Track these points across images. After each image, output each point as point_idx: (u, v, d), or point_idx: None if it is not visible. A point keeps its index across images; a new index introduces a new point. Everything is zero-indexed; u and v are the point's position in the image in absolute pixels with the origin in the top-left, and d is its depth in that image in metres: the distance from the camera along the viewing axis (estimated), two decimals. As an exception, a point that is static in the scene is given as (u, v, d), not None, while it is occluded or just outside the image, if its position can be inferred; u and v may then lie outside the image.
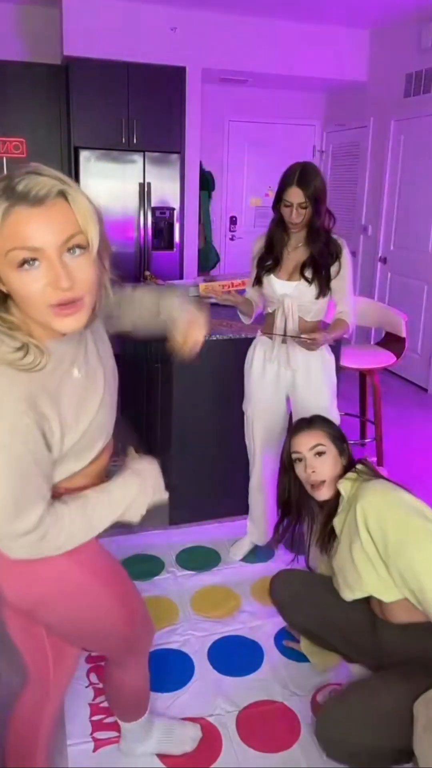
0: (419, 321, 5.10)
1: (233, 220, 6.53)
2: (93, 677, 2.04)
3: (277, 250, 2.42)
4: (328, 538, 1.89)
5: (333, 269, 2.40)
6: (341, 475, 1.81)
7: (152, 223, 5.34)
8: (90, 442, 1.18)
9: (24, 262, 0.93)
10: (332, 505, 1.84)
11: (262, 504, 2.66)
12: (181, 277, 5.42)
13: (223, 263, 6.47)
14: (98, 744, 1.81)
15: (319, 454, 1.81)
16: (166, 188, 5.33)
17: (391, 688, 1.66)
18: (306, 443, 1.83)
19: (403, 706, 1.59)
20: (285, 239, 2.41)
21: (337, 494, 1.82)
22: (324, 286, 2.38)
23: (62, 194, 0.96)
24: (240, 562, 2.70)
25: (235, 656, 2.17)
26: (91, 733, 1.84)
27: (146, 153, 5.19)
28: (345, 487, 1.80)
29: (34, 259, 0.94)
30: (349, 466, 1.84)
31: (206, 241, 6.10)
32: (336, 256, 2.40)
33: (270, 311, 2.50)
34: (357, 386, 3.85)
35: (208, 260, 6.12)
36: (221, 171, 6.31)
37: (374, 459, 3.53)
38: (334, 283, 2.41)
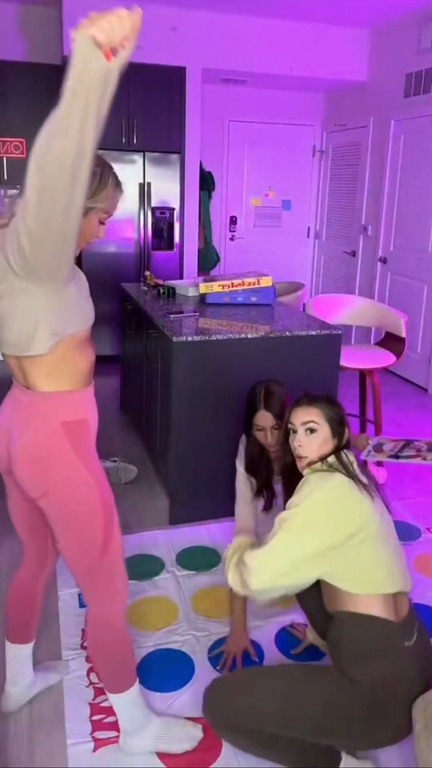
0: (419, 321, 5.10)
1: (233, 220, 6.53)
2: (93, 677, 2.04)
3: (263, 475, 2.33)
4: None
5: None
6: (329, 456, 1.82)
7: (152, 223, 5.35)
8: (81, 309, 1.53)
9: (103, 221, 1.53)
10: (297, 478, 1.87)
11: None
12: (181, 277, 5.42)
13: (223, 263, 6.47)
14: (98, 744, 1.81)
15: (311, 431, 1.81)
16: (166, 188, 5.33)
17: (282, 677, 1.70)
18: (300, 417, 1.83)
19: (283, 695, 1.63)
20: (267, 463, 2.32)
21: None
22: None
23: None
24: (240, 562, 2.70)
25: (235, 656, 2.17)
26: (91, 733, 1.84)
27: (146, 153, 5.20)
28: (307, 473, 1.82)
29: (107, 220, 1.54)
30: (338, 449, 1.84)
31: (206, 241, 6.10)
32: None
33: None
34: (357, 386, 3.86)
35: (208, 260, 6.12)
36: (221, 171, 6.31)
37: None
38: None
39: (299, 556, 1.65)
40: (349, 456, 1.81)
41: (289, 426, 1.86)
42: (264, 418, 2.24)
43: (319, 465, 1.78)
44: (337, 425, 1.83)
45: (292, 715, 1.62)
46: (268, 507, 2.34)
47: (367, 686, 1.61)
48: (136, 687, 1.76)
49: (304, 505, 1.67)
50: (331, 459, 1.79)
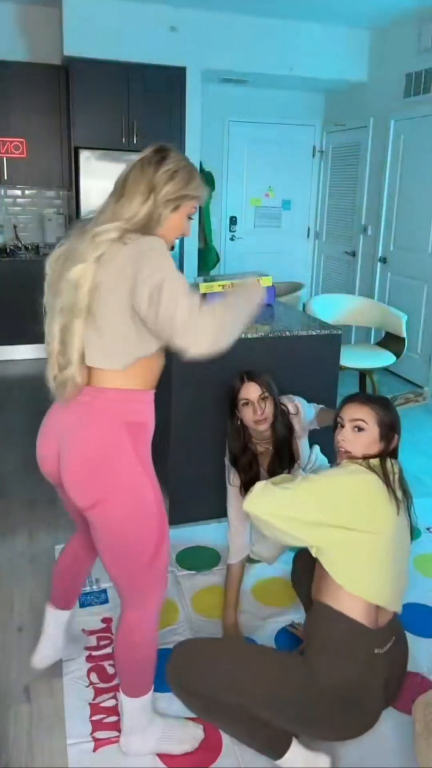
0: (419, 321, 5.10)
1: (233, 220, 6.53)
2: (93, 677, 2.04)
3: (249, 466, 2.27)
4: None
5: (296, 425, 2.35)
6: (373, 457, 1.82)
7: (152, 223, 5.34)
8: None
9: (191, 215, 1.60)
10: None
11: None
12: (181, 277, 5.41)
13: (223, 263, 6.47)
14: (98, 744, 1.81)
15: (359, 429, 1.81)
16: (166, 188, 5.33)
17: (257, 658, 1.72)
18: (350, 414, 1.84)
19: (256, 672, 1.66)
20: (252, 453, 2.29)
21: None
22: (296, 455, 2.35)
23: None
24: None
25: (235, 656, 2.16)
26: (91, 733, 1.84)
27: (146, 153, 5.20)
28: (345, 462, 1.83)
29: (194, 214, 1.63)
30: (385, 454, 1.83)
31: (206, 241, 6.10)
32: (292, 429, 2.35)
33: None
34: (357, 386, 3.86)
35: (208, 260, 6.12)
36: (221, 171, 6.31)
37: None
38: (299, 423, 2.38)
39: (292, 513, 1.70)
40: (394, 466, 1.81)
41: (338, 420, 1.86)
42: (248, 390, 2.18)
43: (360, 461, 1.79)
44: (388, 430, 1.83)
45: (250, 688, 1.64)
46: None
47: (327, 681, 1.63)
48: (151, 695, 1.75)
49: (326, 479, 1.73)
50: (374, 461, 1.79)
